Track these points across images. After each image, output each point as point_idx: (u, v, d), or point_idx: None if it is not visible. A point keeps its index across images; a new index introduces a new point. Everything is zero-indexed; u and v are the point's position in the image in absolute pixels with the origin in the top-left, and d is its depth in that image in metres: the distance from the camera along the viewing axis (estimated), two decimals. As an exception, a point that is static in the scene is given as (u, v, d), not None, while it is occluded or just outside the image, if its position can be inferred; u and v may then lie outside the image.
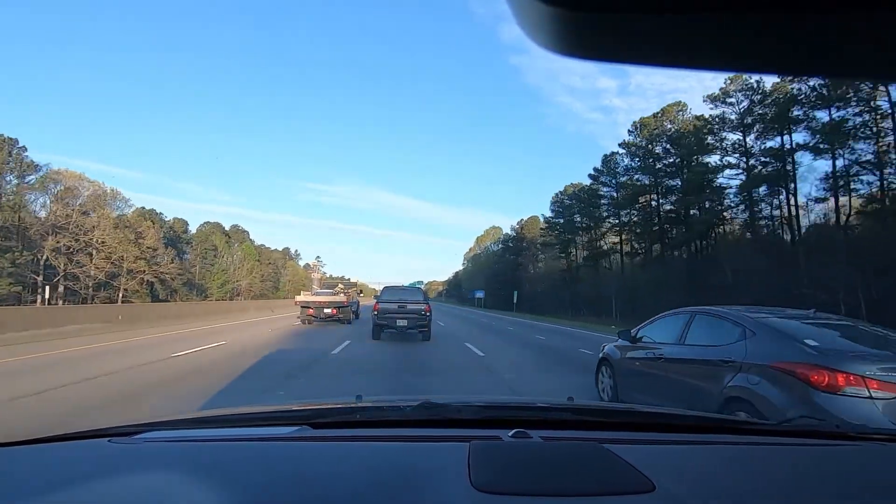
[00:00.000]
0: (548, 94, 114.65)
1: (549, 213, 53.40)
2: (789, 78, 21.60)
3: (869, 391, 2.81)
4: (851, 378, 2.86)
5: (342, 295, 17.89)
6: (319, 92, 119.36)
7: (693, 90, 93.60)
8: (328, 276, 23.74)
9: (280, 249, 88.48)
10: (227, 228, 70.95)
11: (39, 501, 0.75)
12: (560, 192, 52.61)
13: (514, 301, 46.07)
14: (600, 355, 6.05)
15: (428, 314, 11.94)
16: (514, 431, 1.04)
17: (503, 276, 61.11)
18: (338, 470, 0.88)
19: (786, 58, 0.30)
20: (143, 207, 52.49)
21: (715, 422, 1.37)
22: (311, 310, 16.75)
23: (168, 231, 56.12)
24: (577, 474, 0.85)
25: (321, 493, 0.79)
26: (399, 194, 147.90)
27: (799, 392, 3.02)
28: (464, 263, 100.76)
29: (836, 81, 19.05)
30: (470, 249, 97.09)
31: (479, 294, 63.67)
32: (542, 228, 56.03)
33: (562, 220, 50.44)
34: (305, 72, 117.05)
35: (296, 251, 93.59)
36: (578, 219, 48.28)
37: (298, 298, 17.99)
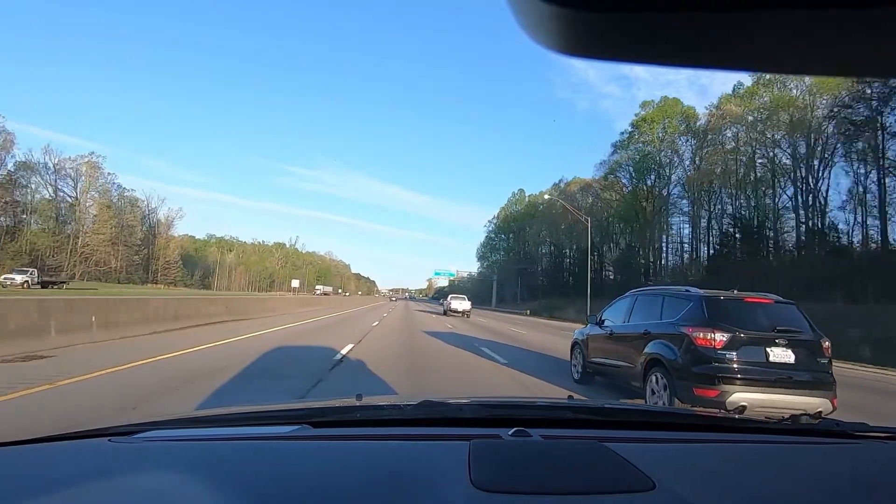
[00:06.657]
0: (545, 84, 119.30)
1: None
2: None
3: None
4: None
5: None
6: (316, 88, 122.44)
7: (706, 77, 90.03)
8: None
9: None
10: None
11: (39, 501, 0.75)
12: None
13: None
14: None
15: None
16: (514, 430, 1.04)
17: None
18: (337, 469, 0.88)
19: (787, 57, 0.30)
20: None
21: (715, 420, 1.37)
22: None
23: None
24: (578, 473, 0.86)
25: (321, 492, 0.79)
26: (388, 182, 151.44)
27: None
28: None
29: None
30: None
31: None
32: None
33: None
34: (309, 70, 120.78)
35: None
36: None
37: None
